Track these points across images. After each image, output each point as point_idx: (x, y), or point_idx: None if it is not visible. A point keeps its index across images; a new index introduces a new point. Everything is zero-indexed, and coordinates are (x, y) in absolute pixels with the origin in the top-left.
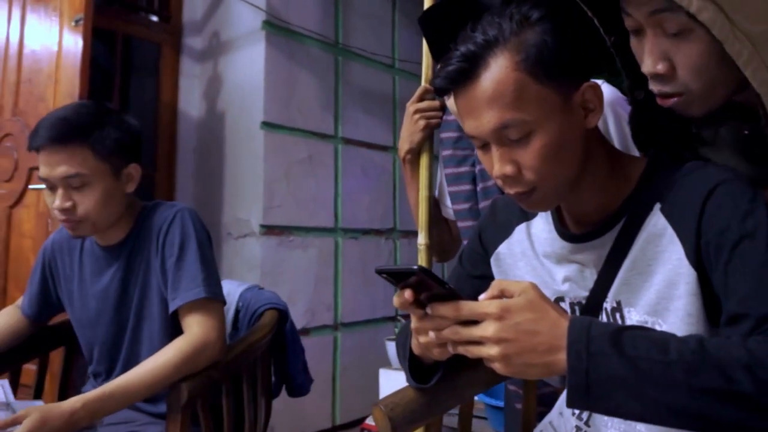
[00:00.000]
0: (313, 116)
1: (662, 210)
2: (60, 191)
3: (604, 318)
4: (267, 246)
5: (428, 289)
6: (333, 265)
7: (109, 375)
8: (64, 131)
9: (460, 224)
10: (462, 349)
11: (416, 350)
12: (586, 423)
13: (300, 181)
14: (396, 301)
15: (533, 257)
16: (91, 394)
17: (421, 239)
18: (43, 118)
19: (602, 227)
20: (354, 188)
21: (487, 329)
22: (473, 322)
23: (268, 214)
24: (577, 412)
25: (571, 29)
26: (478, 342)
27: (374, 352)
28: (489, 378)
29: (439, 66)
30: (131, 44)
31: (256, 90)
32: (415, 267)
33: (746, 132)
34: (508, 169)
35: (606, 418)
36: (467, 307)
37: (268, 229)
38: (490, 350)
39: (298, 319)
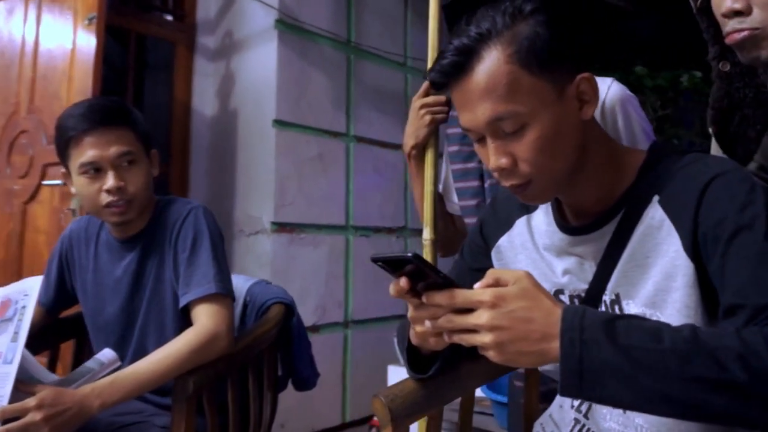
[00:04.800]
0: (325, 114)
1: (660, 202)
2: (111, 172)
3: (603, 310)
4: (278, 243)
5: (424, 278)
6: (344, 263)
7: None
8: (111, 113)
9: (467, 220)
10: (457, 338)
11: (414, 340)
12: (585, 415)
13: (311, 179)
14: (392, 289)
15: (533, 250)
16: (102, 381)
17: (426, 234)
18: (72, 108)
19: (601, 219)
20: (366, 186)
21: (480, 317)
22: (468, 310)
23: (279, 212)
24: (576, 404)
25: (565, 21)
26: (472, 330)
27: (384, 350)
28: (489, 370)
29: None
30: (146, 43)
31: (269, 88)
32: (410, 254)
33: None
34: (504, 161)
35: (605, 410)
36: (462, 295)
37: (280, 227)
38: (484, 338)
39: (309, 316)
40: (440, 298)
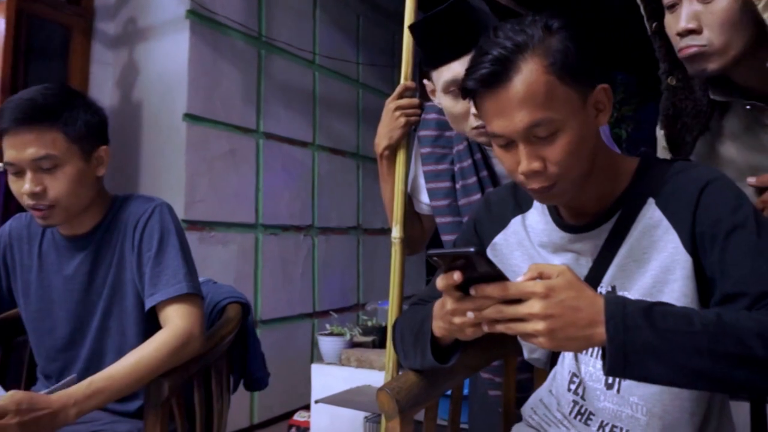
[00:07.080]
0: (236, 110)
1: (657, 203)
2: (29, 175)
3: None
4: (188, 241)
5: (470, 272)
6: (253, 262)
7: (61, 374)
8: (32, 112)
9: (439, 220)
10: (503, 327)
11: (439, 332)
12: (582, 397)
13: (222, 175)
14: (441, 283)
15: (530, 247)
16: (76, 389)
17: (396, 233)
18: (7, 100)
19: (599, 219)
20: (274, 184)
21: (533, 306)
22: (516, 301)
23: (190, 209)
24: (572, 387)
25: (587, 36)
26: (521, 319)
27: (292, 349)
28: (476, 362)
29: (467, 68)
30: (35, 25)
31: (179, 81)
32: (472, 249)
33: (748, 107)
34: (536, 165)
35: (598, 391)
36: (514, 287)
37: (190, 224)
38: (536, 326)
39: None
40: (491, 290)
